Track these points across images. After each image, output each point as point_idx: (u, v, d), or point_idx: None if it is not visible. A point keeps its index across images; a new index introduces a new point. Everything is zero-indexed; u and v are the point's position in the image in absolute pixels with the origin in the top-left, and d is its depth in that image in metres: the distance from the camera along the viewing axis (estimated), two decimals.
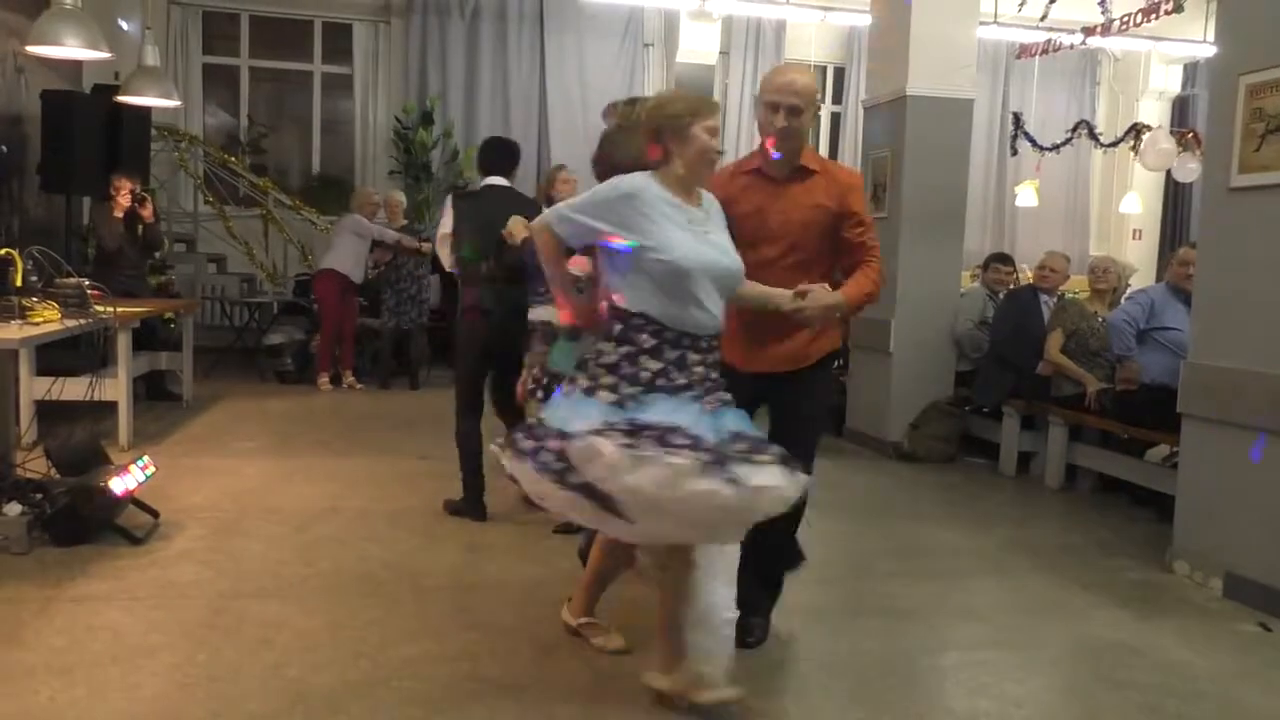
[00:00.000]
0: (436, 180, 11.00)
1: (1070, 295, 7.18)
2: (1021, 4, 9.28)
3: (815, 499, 4.32)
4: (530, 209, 4.77)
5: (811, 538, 4.29)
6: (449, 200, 5.12)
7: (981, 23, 7.44)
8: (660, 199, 2.92)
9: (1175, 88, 13.19)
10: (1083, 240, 13.21)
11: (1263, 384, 4.08)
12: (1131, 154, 11.57)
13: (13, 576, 3.77)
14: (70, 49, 5.55)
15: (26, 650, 3.18)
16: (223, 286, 10.40)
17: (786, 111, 3.30)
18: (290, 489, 5.29)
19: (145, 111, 8.30)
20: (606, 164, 3.47)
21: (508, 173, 5.02)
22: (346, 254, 8.58)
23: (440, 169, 11.13)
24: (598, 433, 2.66)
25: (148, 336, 7.17)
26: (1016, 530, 5.28)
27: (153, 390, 7.53)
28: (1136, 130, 11.30)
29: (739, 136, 12.06)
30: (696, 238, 2.92)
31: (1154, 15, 8.53)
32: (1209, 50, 9.28)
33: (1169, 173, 11.77)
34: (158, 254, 8.45)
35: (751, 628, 3.47)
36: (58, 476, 4.41)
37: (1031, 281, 7.01)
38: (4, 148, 7.27)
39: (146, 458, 4.63)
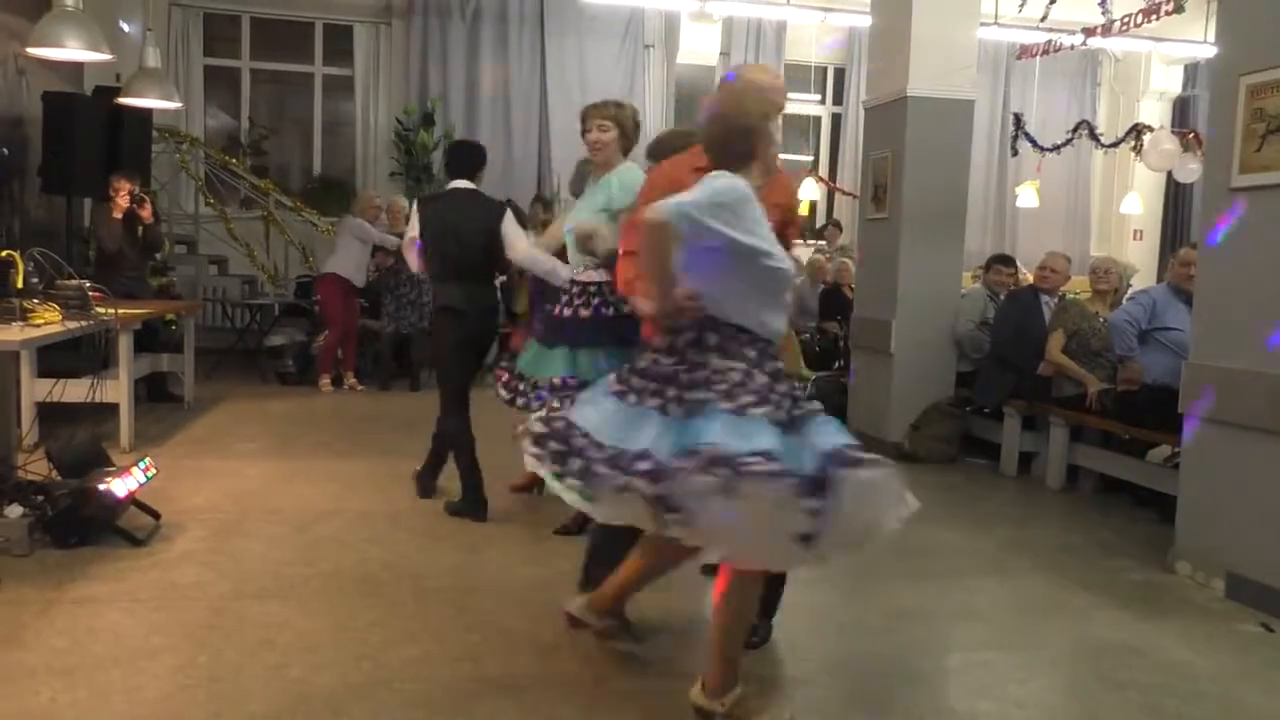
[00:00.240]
0: (438, 182, 11.00)
1: (1071, 296, 7.17)
2: (1022, 5, 9.29)
3: None
4: (494, 211, 4.93)
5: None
6: (415, 204, 5.22)
7: (982, 23, 7.43)
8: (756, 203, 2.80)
9: (1176, 88, 13.20)
10: (1083, 241, 13.22)
11: (1264, 384, 4.07)
12: (1132, 154, 11.58)
13: (14, 578, 3.77)
14: (71, 51, 5.56)
15: (28, 652, 3.18)
16: (224, 288, 10.41)
17: (777, 112, 3.27)
18: (291, 490, 5.30)
19: (146, 113, 8.31)
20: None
21: (472, 175, 5.07)
22: (349, 257, 8.58)
23: (441, 171, 11.13)
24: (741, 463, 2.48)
25: (149, 338, 7.17)
26: (1017, 531, 5.28)
27: (154, 392, 7.53)
28: (1137, 131, 11.31)
29: None
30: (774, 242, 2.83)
31: (1154, 16, 8.54)
32: (1209, 51, 9.28)
33: (1170, 173, 11.78)
34: (158, 255, 8.46)
35: (754, 628, 3.46)
36: (59, 478, 4.41)
37: (1032, 282, 7.01)
38: (5, 149, 7.28)
39: (148, 459, 4.63)
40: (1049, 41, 9.93)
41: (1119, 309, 6.14)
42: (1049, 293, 6.63)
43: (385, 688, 3.06)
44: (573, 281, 4.30)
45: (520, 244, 4.92)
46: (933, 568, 4.54)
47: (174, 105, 7.79)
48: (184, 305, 7.84)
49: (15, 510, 4.09)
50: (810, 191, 11.47)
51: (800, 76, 12.08)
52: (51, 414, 5.69)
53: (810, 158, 12.74)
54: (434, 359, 5.27)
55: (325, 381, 8.67)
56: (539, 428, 2.86)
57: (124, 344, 5.93)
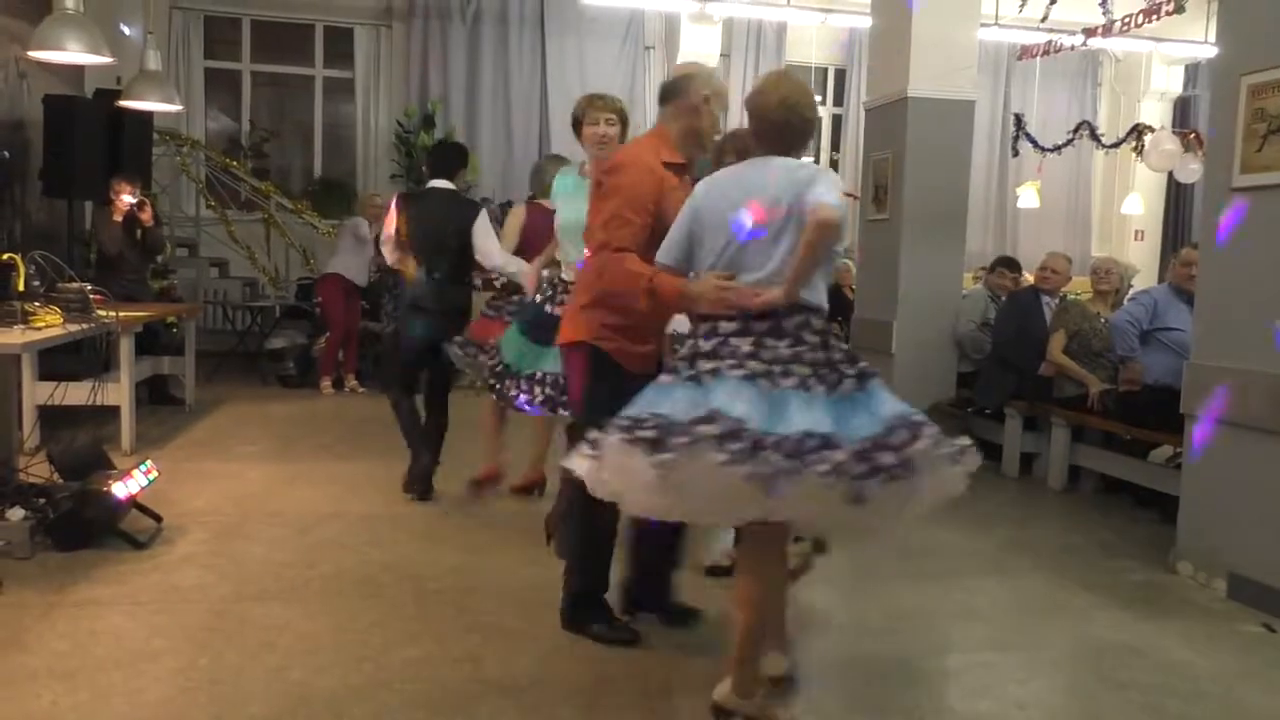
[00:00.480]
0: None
1: (1072, 296, 7.17)
2: (1022, 5, 9.29)
3: None
4: (469, 212, 5.16)
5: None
6: (393, 202, 5.40)
7: (982, 24, 7.44)
8: None
9: (1177, 88, 13.19)
10: (1084, 241, 13.22)
11: (1265, 384, 4.07)
12: (1133, 155, 11.58)
13: (15, 581, 3.77)
14: (72, 54, 5.56)
15: (29, 654, 3.18)
16: (225, 291, 10.41)
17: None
18: (292, 492, 5.30)
19: (147, 116, 8.31)
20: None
21: (450, 175, 5.31)
22: (350, 258, 8.59)
23: None
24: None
25: (150, 341, 7.18)
26: (1018, 531, 5.27)
27: (155, 395, 7.54)
28: (1138, 131, 11.31)
29: None
30: None
31: (1155, 16, 8.54)
32: (1210, 51, 9.28)
33: (1171, 173, 11.77)
34: (159, 258, 8.46)
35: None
36: (60, 481, 4.41)
37: (1033, 283, 7.01)
38: (6, 153, 7.28)
39: (149, 462, 4.63)
40: (1049, 42, 9.93)
41: (1120, 309, 6.14)
42: (1050, 293, 6.62)
43: (386, 689, 3.06)
44: (560, 280, 4.49)
45: (488, 247, 5.10)
46: (933, 568, 4.53)
47: (175, 108, 7.80)
48: (185, 308, 7.85)
49: (17, 513, 4.09)
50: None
51: (801, 77, 12.05)
52: (53, 417, 5.69)
53: (811, 158, 12.71)
54: (398, 351, 5.55)
55: (326, 384, 8.67)
56: (648, 430, 2.62)
57: (125, 347, 5.94)
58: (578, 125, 4.28)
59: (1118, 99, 13.50)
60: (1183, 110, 13.24)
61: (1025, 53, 10.68)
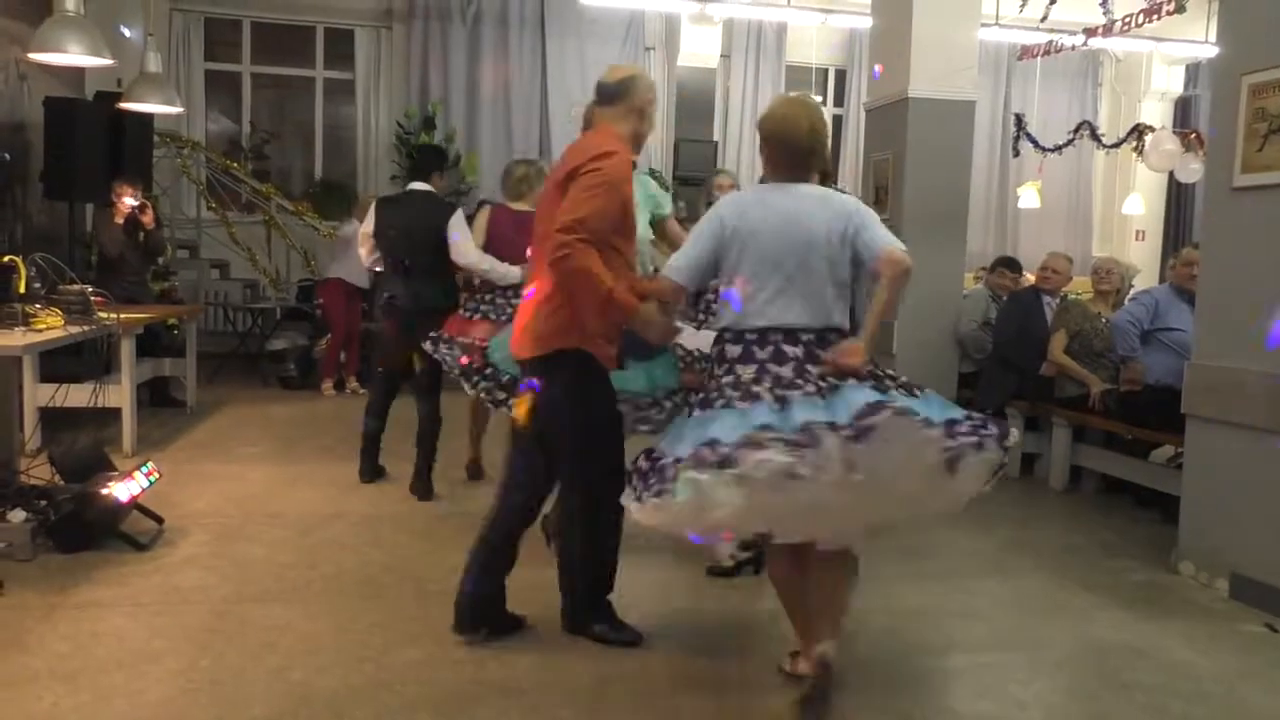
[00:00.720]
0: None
1: (1073, 296, 7.17)
2: (1023, 5, 9.28)
3: None
4: (443, 212, 5.30)
5: None
6: (374, 203, 5.63)
7: (983, 24, 7.44)
8: None
9: (1177, 88, 13.18)
10: (1085, 241, 13.21)
11: (1266, 384, 4.07)
12: (1134, 155, 11.57)
13: (17, 583, 3.77)
14: (73, 56, 5.56)
15: (31, 656, 3.19)
16: (226, 292, 10.41)
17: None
18: (293, 494, 5.30)
19: (148, 118, 8.32)
20: None
21: (427, 177, 5.52)
22: (351, 261, 8.58)
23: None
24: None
25: (151, 343, 7.18)
26: (1020, 531, 5.27)
27: (156, 396, 7.54)
28: (1139, 131, 11.30)
29: (740, 140, 12.06)
30: None
31: (1156, 16, 8.52)
32: (1211, 50, 9.29)
33: (1171, 173, 11.76)
34: (160, 260, 8.46)
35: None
36: (62, 483, 4.41)
37: (1034, 283, 7.01)
38: (7, 155, 7.29)
39: (150, 464, 4.63)
40: (1050, 42, 9.91)
41: (1121, 309, 6.14)
42: (1051, 293, 6.62)
43: (387, 690, 3.06)
44: None
45: (462, 245, 5.18)
46: (935, 568, 4.53)
47: (175, 110, 7.80)
48: (186, 310, 7.85)
49: (18, 515, 4.10)
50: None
51: (801, 78, 12.07)
52: (54, 419, 5.69)
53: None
54: (380, 348, 5.86)
55: (327, 385, 8.67)
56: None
57: (126, 349, 5.94)
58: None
59: (1118, 99, 13.50)
60: (1183, 110, 13.23)
61: (1026, 53, 10.66)
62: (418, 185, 5.49)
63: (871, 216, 3.08)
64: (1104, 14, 8.95)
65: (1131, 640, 3.73)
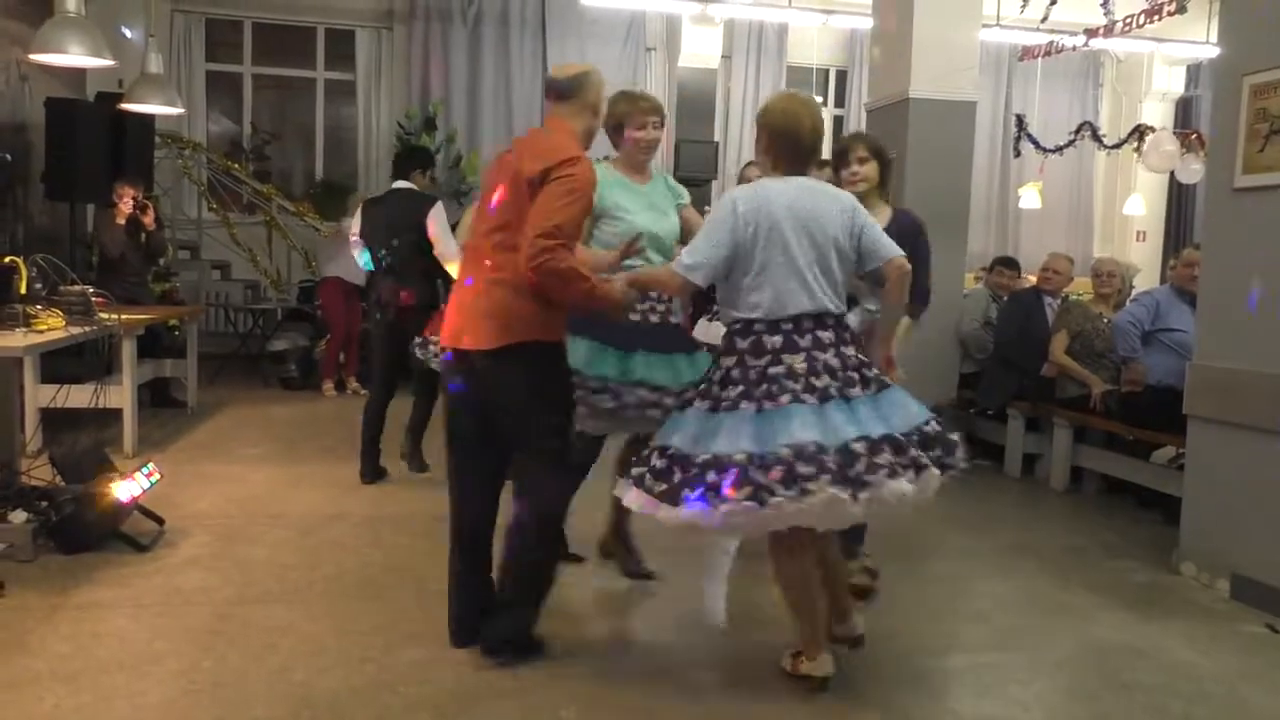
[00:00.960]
0: (440, 186, 11.01)
1: (1074, 297, 7.17)
2: (1024, 6, 9.28)
3: None
4: (424, 204, 5.48)
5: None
6: (360, 205, 5.83)
7: (984, 25, 7.43)
8: None
9: (1178, 89, 13.17)
10: (1086, 242, 13.20)
11: (1268, 384, 4.07)
12: (1135, 156, 11.56)
13: (18, 584, 3.77)
14: (74, 57, 5.56)
15: (32, 657, 3.18)
16: (227, 293, 10.42)
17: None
18: (295, 495, 5.30)
19: (149, 119, 8.32)
20: None
21: (408, 176, 5.70)
22: (346, 260, 8.58)
23: (443, 174, 11.14)
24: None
25: (152, 344, 7.18)
26: (1021, 532, 5.27)
27: (157, 397, 7.54)
28: (1140, 132, 11.29)
29: (741, 140, 12.06)
30: None
31: (1157, 16, 8.52)
32: (1212, 51, 9.28)
33: (1172, 174, 11.76)
34: (161, 261, 8.46)
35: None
36: (63, 484, 4.41)
37: (1035, 284, 7.01)
38: (8, 155, 7.30)
39: (151, 465, 4.63)
40: (1051, 43, 9.90)
41: (1122, 310, 6.13)
42: (1052, 294, 6.62)
43: (389, 690, 3.06)
44: None
45: (439, 236, 5.40)
46: (936, 569, 4.53)
47: (176, 111, 7.80)
48: (187, 310, 7.85)
49: (19, 516, 4.10)
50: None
51: (802, 79, 12.07)
52: (55, 420, 5.70)
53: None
54: (373, 348, 5.91)
55: (328, 386, 8.67)
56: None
57: (127, 349, 5.94)
58: (619, 128, 3.89)
59: (1119, 99, 13.49)
60: (1185, 111, 13.22)
61: (1026, 53, 10.65)
62: (398, 184, 5.69)
63: (867, 214, 3.27)
64: (1105, 14, 8.94)
65: (1132, 641, 3.73)
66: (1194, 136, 11.10)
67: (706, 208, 5.82)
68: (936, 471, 2.97)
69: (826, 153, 4.04)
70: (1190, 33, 10.68)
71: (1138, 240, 13.36)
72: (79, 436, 4.85)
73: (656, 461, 3.02)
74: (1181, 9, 8.22)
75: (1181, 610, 4.11)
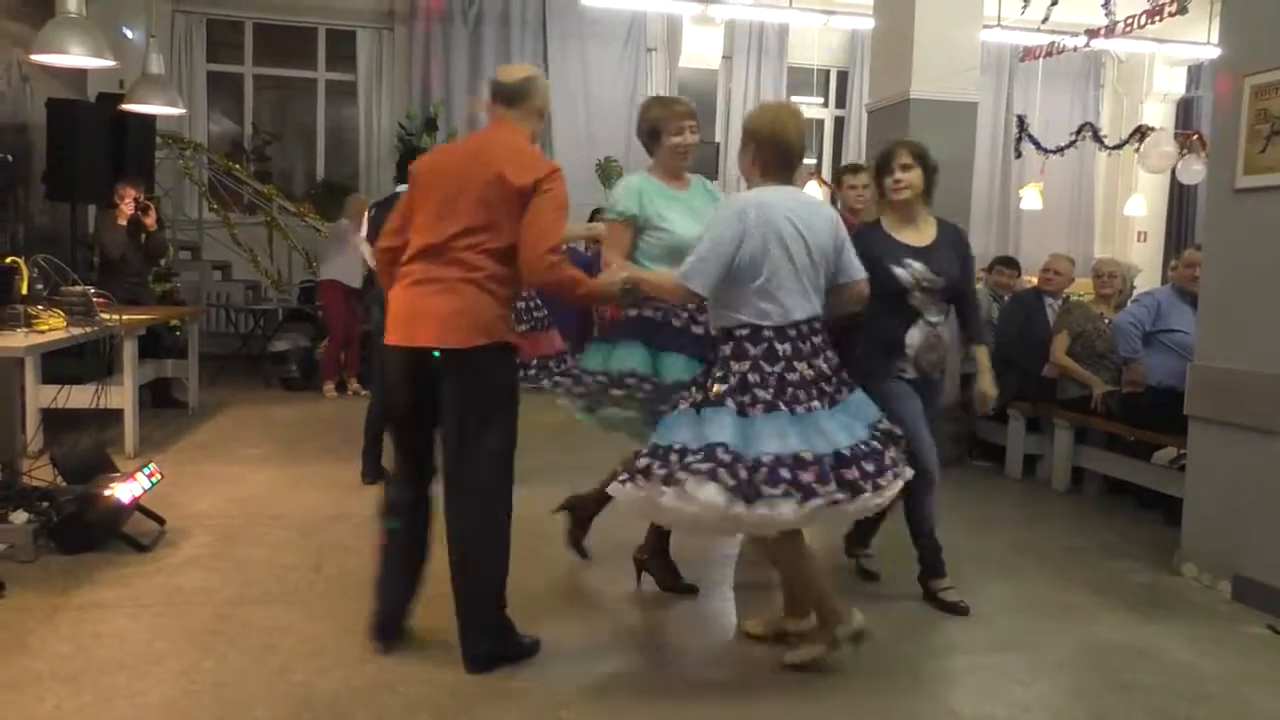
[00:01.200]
0: None
1: (1075, 298, 7.16)
2: (1025, 7, 9.28)
3: None
4: None
5: (817, 541, 4.29)
6: (367, 208, 5.83)
7: (985, 25, 7.43)
8: None
9: (1180, 89, 13.18)
10: (1087, 243, 13.21)
11: (1269, 385, 4.07)
12: (1136, 156, 11.56)
13: (19, 584, 3.77)
14: (75, 58, 5.57)
15: (33, 658, 3.18)
16: (228, 294, 10.42)
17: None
18: (296, 495, 5.30)
19: (150, 119, 8.32)
20: None
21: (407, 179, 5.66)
22: (342, 261, 8.57)
23: None
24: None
25: (153, 344, 7.18)
26: (1022, 533, 5.26)
27: (158, 398, 7.54)
28: (1141, 132, 11.29)
29: None
30: None
31: (1158, 17, 8.53)
32: (1213, 52, 9.28)
33: (1173, 175, 11.76)
34: (162, 261, 8.47)
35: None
36: (64, 484, 4.41)
37: (1036, 284, 7.00)
38: (9, 156, 7.30)
39: (152, 465, 4.63)
40: (1052, 43, 9.91)
41: (1123, 311, 6.13)
42: (1053, 295, 6.62)
43: (389, 691, 3.06)
44: None
45: None
46: None
47: (177, 111, 7.81)
48: (188, 311, 7.86)
49: (20, 516, 4.10)
50: (813, 194, 11.46)
51: (803, 79, 12.08)
52: (56, 420, 5.70)
53: (814, 160, 12.74)
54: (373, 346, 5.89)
55: (329, 386, 8.67)
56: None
57: (128, 350, 5.94)
58: (655, 135, 3.84)
59: (1120, 100, 13.49)
60: (1186, 111, 13.23)
61: (1028, 54, 10.66)
62: (403, 187, 5.64)
63: (844, 229, 3.42)
64: (1106, 15, 8.95)
65: (1134, 642, 3.73)
66: (1195, 137, 11.10)
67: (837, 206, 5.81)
68: (910, 470, 3.28)
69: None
70: (1191, 33, 10.69)
71: (1139, 241, 13.37)
72: (80, 437, 4.85)
73: (657, 468, 3.03)
74: (1183, 10, 8.23)
75: (1183, 611, 4.11)
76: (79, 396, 5.57)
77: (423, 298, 3.17)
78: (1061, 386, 6.22)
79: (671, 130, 3.78)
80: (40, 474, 4.55)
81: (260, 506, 5.05)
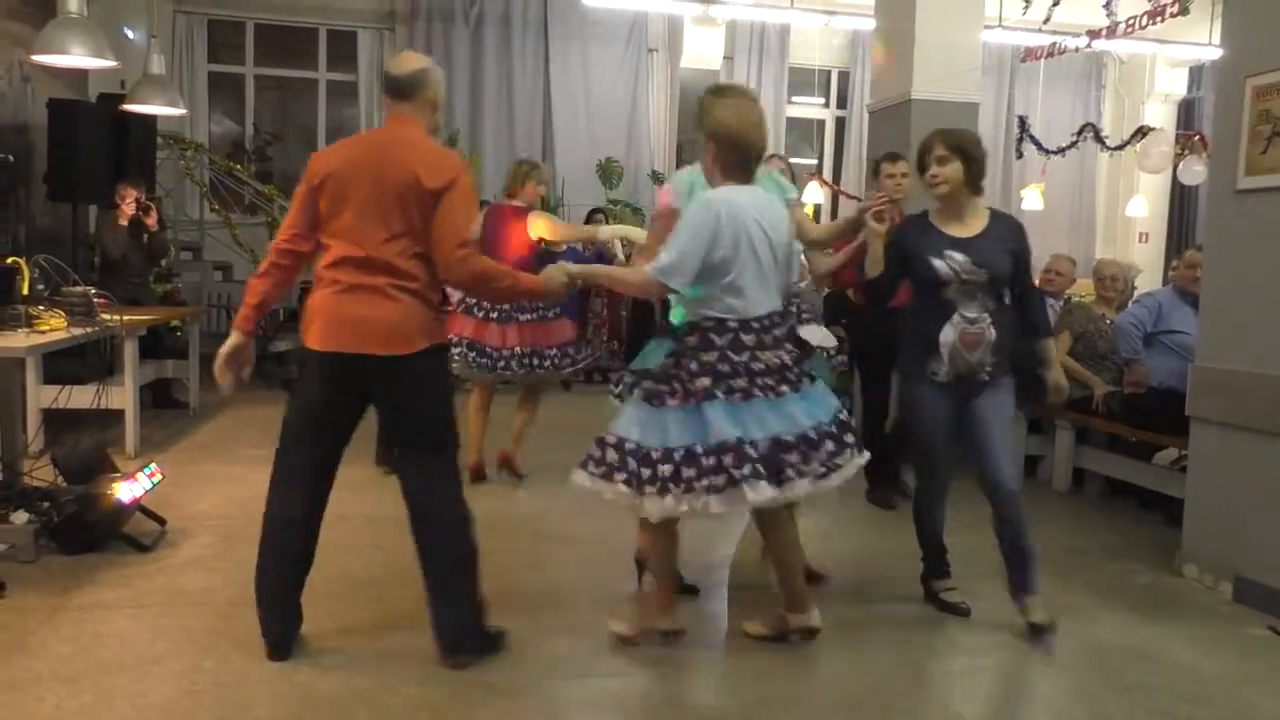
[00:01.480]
0: None
1: (1077, 298, 7.16)
2: (1026, 7, 9.28)
3: (828, 503, 4.32)
4: None
5: (819, 541, 4.31)
6: None
7: (986, 26, 7.43)
8: None
9: (1181, 90, 13.17)
10: (1088, 244, 13.20)
11: (1270, 386, 4.06)
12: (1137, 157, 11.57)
13: (19, 584, 3.77)
14: (76, 58, 5.57)
15: (33, 658, 3.19)
16: (229, 294, 10.41)
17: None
18: None
19: (151, 120, 8.33)
20: None
21: None
22: None
23: None
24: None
25: (154, 344, 7.18)
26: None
27: (159, 398, 7.54)
28: (1142, 133, 11.29)
29: None
30: None
31: (1159, 18, 8.53)
32: (1215, 53, 9.28)
33: (1175, 176, 11.75)
34: (163, 262, 8.47)
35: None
36: (65, 485, 4.41)
37: (1037, 285, 6.99)
38: (10, 156, 7.30)
39: (153, 465, 4.63)
40: (1053, 44, 9.92)
41: (1124, 312, 6.12)
42: (1054, 295, 6.61)
43: (390, 692, 3.06)
44: None
45: None
46: None
47: (178, 112, 7.81)
48: (189, 311, 7.86)
49: (21, 517, 4.10)
50: (814, 195, 11.46)
51: (804, 80, 12.08)
52: (57, 420, 5.69)
53: (814, 161, 12.74)
54: None
55: None
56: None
57: (129, 350, 5.94)
58: None
59: (1122, 101, 13.48)
60: (1187, 112, 13.22)
61: (1029, 55, 10.66)
62: None
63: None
64: (1107, 16, 8.95)
65: (1135, 643, 3.73)
66: (1197, 138, 11.10)
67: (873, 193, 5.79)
68: (866, 453, 3.36)
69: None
70: (1193, 34, 10.69)
71: (1140, 242, 13.36)
72: (81, 437, 4.85)
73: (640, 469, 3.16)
74: (1184, 10, 8.23)
75: (1184, 612, 4.11)
76: (80, 397, 5.57)
77: (357, 305, 3.12)
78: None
79: None
80: (41, 474, 4.55)
81: (261, 507, 4.99)
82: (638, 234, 5.25)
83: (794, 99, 12.55)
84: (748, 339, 3.24)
